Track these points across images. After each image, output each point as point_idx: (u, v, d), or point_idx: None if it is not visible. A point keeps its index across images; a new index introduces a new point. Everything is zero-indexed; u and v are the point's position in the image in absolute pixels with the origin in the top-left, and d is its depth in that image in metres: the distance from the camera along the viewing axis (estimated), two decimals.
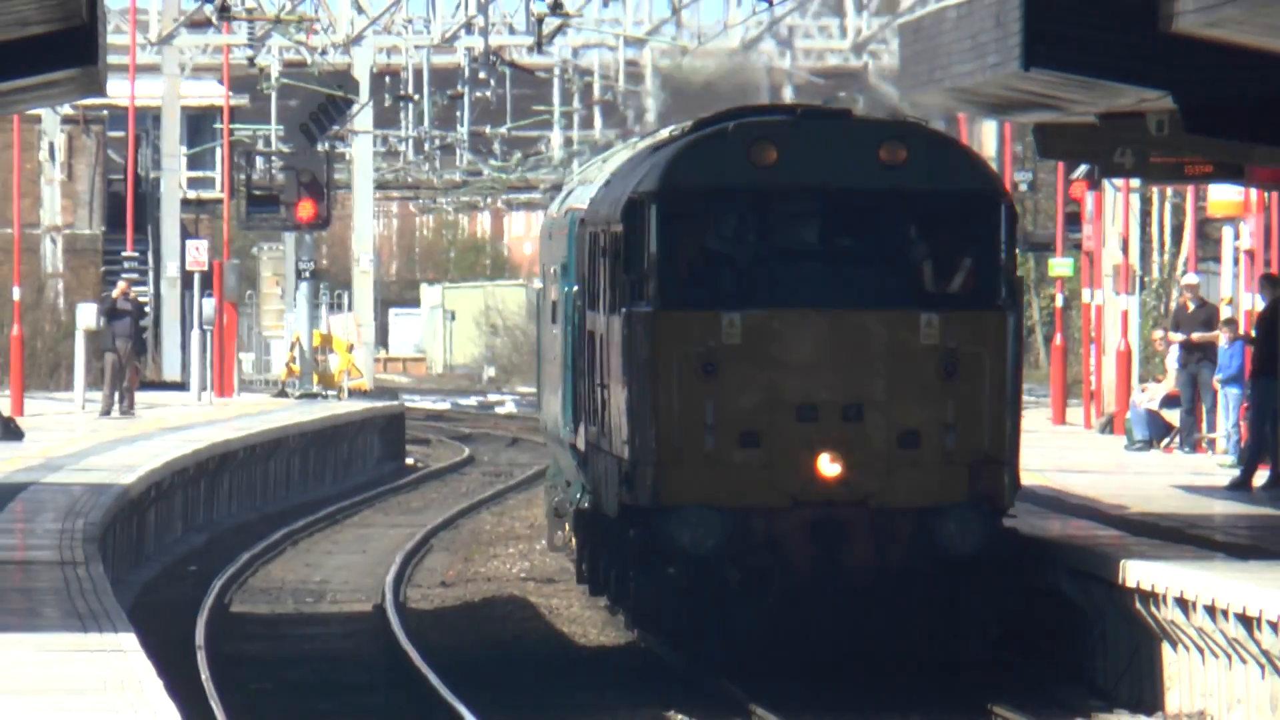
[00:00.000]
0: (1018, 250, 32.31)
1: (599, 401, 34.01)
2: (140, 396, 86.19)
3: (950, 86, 42.09)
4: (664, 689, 37.01)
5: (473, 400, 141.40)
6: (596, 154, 55.39)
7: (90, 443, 71.05)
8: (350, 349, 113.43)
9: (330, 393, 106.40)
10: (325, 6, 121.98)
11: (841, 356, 28.05)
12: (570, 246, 39.97)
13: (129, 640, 26.53)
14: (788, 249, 28.25)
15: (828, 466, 27.91)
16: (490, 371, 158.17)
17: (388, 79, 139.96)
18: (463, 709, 32.79)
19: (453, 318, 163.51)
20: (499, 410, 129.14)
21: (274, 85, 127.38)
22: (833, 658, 29.30)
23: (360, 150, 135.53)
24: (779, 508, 28.06)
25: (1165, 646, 27.39)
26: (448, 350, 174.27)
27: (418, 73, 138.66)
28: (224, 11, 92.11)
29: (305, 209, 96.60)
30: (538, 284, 53.09)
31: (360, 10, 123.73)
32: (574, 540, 43.70)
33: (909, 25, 63.83)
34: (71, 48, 36.17)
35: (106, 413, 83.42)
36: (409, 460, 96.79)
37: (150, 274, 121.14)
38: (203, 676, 35.97)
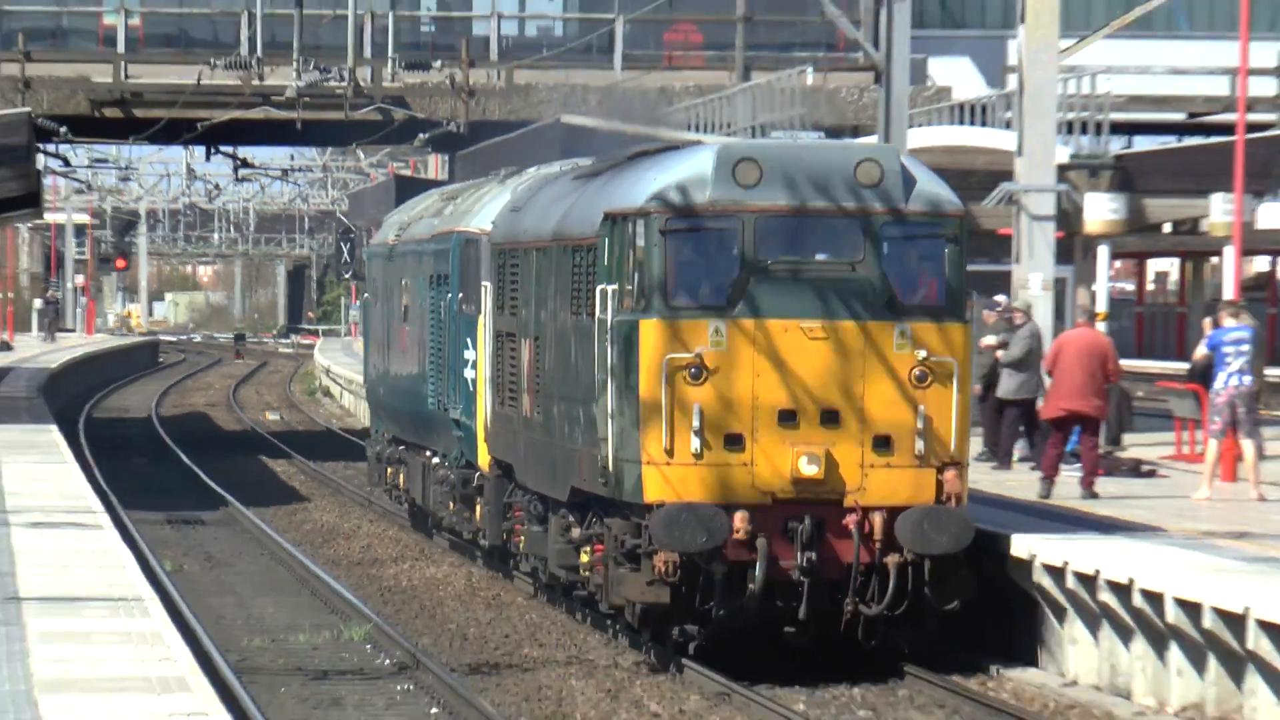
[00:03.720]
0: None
1: (530, 394, 23.62)
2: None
3: None
4: (284, 452, 54.26)
5: (186, 338, 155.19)
6: (415, 198, 37.91)
7: (37, 351, 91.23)
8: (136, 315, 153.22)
9: (132, 333, 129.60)
10: None
11: (820, 364, 19.25)
12: (455, 264, 28.66)
13: (51, 428, 42.94)
14: (770, 262, 19.11)
15: (807, 467, 18.90)
16: (191, 325, 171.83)
17: None
18: (180, 452, 52.19)
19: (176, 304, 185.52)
20: (195, 340, 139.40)
21: None
22: (805, 644, 20.15)
23: None
24: (761, 505, 19.17)
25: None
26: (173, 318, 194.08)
27: None
28: None
29: None
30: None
31: None
32: (421, 489, 31.21)
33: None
34: (30, 201, 45.66)
35: (45, 339, 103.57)
36: (161, 359, 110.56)
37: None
38: (81, 440, 52.02)
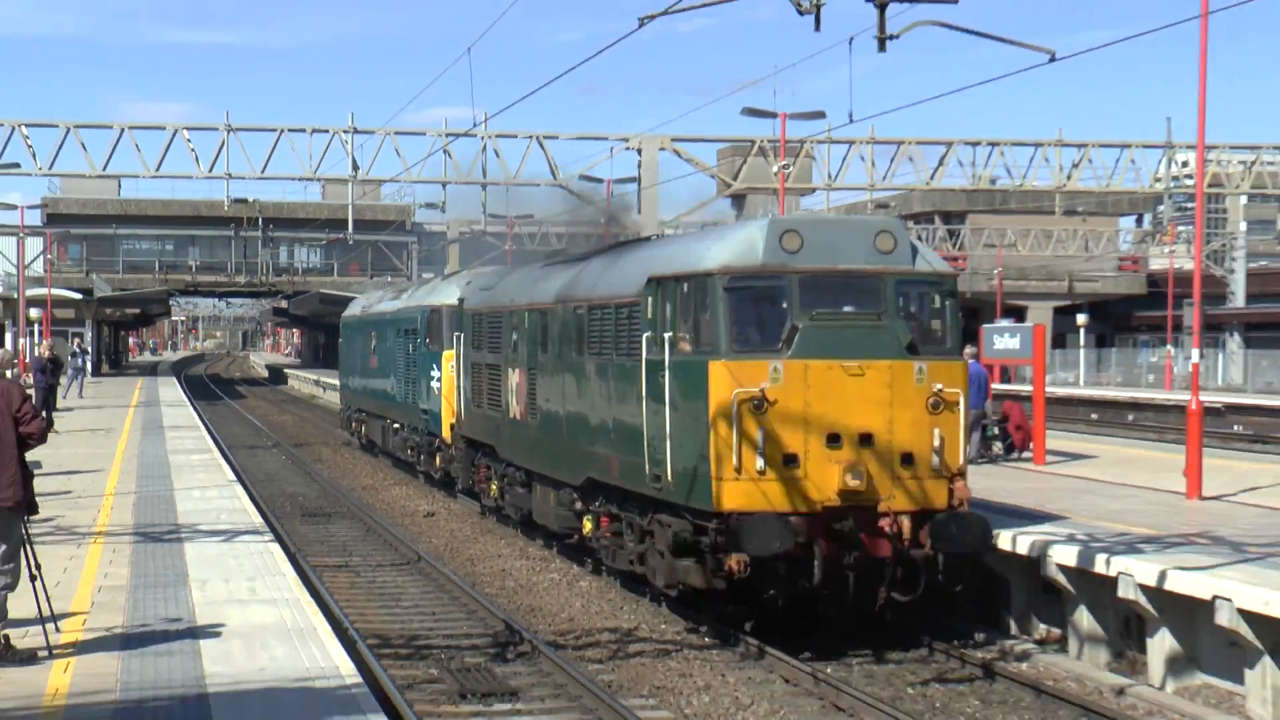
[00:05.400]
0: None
1: (521, 404, 25.19)
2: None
3: None
4: (241, 383, 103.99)
5: (213, 353, 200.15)
6: (376, 295, 49.56)
7: (169, 356, 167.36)
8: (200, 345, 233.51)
9: (199, 351, 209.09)
10: None
11: (857, 396, 18.37)
12: (422, 323, 34.19)
13: (176, 384, 77.12)
14: (813, 313, 18.63)
15: (851, 481, 18.09)
16: (214, 348, 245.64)
17: None
18: (211, 384, 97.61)
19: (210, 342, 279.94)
20: (216, 353, 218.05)
21: None
22: (841, 621, 19.24)
23: None
24: (813, 513, 18.08)
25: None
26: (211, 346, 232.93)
27: None
28: None
29: None
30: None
31: None
32: (381, 438, 40.00)
33: None
34: (165, 314, 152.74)
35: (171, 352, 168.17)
36: (204, 359, 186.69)
37: None
38: (183, 381, 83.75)
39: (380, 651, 16.39)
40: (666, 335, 18.25)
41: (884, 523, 17.53)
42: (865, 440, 17.65)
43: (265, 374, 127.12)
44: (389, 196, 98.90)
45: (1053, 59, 17.33)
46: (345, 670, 12.17)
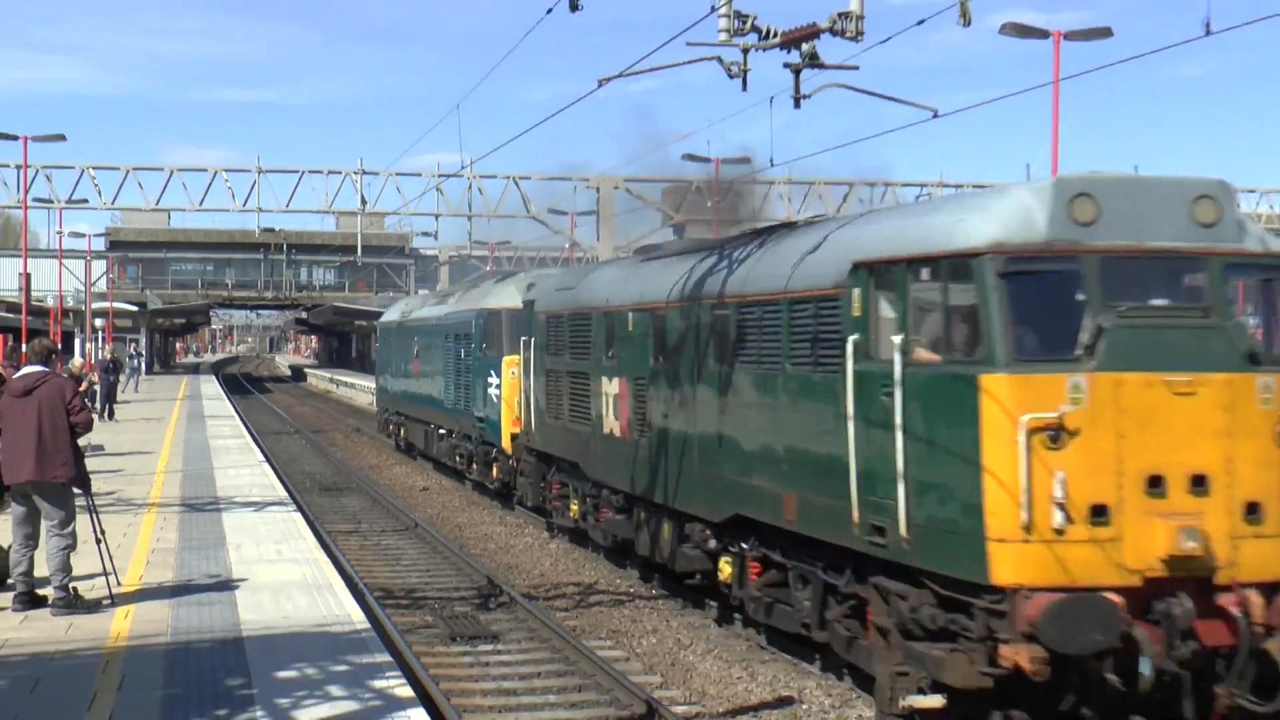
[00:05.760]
0: None
1: (623, 420, 18.35)
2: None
3: None
4: (269, 380, 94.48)
5: (245, 356, 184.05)
6: (422, 297, 41.35)
7: (209, 358, 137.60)
8: (234, 349, 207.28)
9: (232, 354, 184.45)
10: None
11: (1186, 423, 10.65)
12: (478, 328, 26.99)
13: (215, 380, 69.60)
14: (1121, 309, 10.96)
15: (1185, 543, 10.43)
16: (245, 352, 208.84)
17: None
18: (244, 381, 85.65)
19: (242, 346, 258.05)
20: (246, 356, 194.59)
21: None
22: None
23: None
24: (1131, 587, 10.26)
25: None
26: (243, 351, 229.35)
27: None
28: None
29: None
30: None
31: None
32: (423, 442, 32.82)
33: None
34: (207, 322, 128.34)
35: (210, 354, 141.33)
36: (237, 360, 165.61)
37: None
38: (219, 379, 72.96)
39: (384, 602, 16.29)
40: (896, 339, 11.03)
41: (1226, 600, 10.31)
42: (1197, 484, 10.39)
43: (288, 373, 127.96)
44: (391, 226, 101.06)
45: (935, 115, 16.49)
46: (356, 618, 11.93)
